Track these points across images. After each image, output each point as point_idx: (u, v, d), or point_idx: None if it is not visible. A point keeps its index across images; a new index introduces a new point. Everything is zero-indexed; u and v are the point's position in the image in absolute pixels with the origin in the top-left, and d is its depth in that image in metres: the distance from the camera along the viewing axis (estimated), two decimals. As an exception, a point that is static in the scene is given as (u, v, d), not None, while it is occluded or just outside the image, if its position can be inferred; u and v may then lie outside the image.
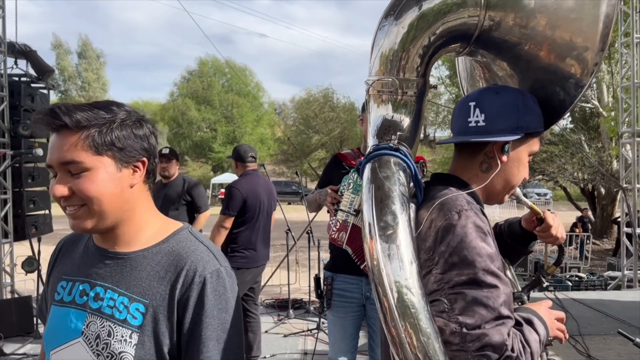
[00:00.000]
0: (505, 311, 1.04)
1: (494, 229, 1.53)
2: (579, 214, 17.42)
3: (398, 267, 1.08)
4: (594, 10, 1.19)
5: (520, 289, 1.33)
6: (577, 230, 15.08)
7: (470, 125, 1.24)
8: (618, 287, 8.04)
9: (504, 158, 1.23)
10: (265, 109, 42.52)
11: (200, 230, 4.87)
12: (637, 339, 1.93)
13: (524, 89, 1.31)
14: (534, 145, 1.28)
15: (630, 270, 8.23)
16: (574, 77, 1.25)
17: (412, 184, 1.24)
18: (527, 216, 1.44)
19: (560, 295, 5.71)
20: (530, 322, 1.13)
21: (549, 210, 1.45)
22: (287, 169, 35.30)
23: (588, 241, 13.28)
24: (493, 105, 1.22)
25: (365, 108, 2.73)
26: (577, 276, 8.34)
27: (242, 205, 3.86)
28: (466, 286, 1.04)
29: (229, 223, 3.85)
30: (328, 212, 2.65)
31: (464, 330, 1.01)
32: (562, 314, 1.24)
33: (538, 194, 27.17)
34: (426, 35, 1.23)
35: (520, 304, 1.26)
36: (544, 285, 1.38)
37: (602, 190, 17.55)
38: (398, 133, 1.26)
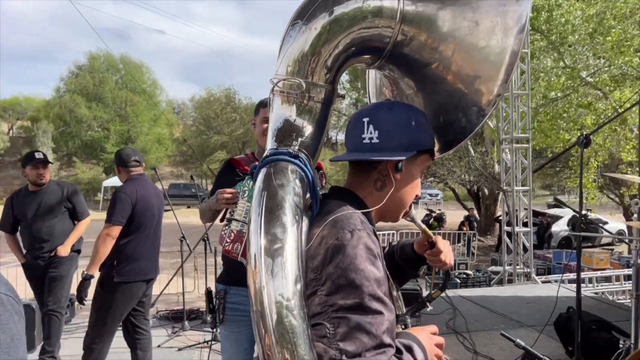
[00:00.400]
0: (387, 339, 1.02)
1: (387, 249, 1.53)
2: (466, 213, 18.76)
3: (281, 285, 1.01)
4: (502, 43, 1.21)
5: (404, 311, 1.32)
6: (464, 228, 16.24)
7: (364, 142, 1.21)
8: (500, 282, 8.73)
9: (398, 176, 1.21)
10: (163, 107, 40.73)
11: (81, 239, 4.47)
12: (517, 340, 2.04)
13: (428, 110, 1.30)
14: (426, 162, 1.28)
15: (510, 265, 8.98)
16: (477, 106, 1.26)
17: (308, 195, 1.17)
18: (420, 240, 1.45)
19: (450, 292, 6.04)
20: (410, 350, 1.11)
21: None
22: (186, 171, 34.13)
23: (474, 238, 14.35)
24: (386, 122, 1.20)
25: (257, 111, 2.64)
26: (464, 273, 8.91)
27: (130, 212, 3.54)
28: (351, 311, 1.00)
29: (116, 232, 3.52)
30: (221, 220, 2.50)
31: (344, 357, 0.98)
32: (441, 340, 1.24)
33: (430, 195, 28.93)
34: (339, 41, 1.19)
35: (403, 327, 1.25)
36: (428, 309, 1.40)
37: (486, 191, 19.08)
38: (299, 139, 1.20)
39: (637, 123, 10.39)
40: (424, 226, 1.38)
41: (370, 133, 1.20)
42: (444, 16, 1.25)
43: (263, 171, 1.16)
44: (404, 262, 1.49)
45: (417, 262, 1.48)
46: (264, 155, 1.21)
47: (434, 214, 19.82)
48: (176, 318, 5.65)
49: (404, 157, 1.18)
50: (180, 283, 6.01)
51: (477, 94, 1.26)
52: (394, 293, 1.30)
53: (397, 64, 1.36)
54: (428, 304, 1.40)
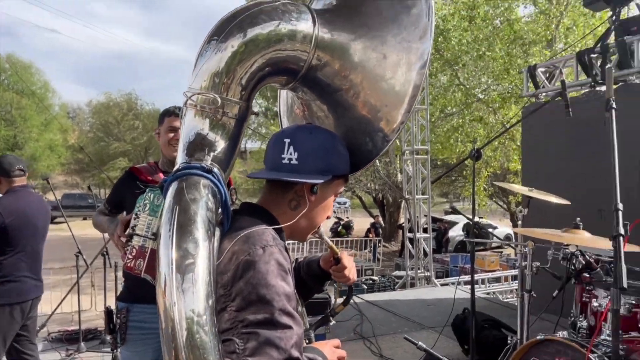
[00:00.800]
0: (295, 353, 1.04)
1: (293, 265, 1.55)
2: (372, 220, 19.43)
3: (192, 302, 1.00)
4: (406, 76, 1.29)
5: (308, 327, 1.36)
6: (370, 235, 16.82)
7: (283, 162, 1.24)
8: (404, 286, 9.15)
9: (312, 198, 1.25)
10: (56, 112, 37.68)
11: None
12: (419, 343, 2.17)
13: (338, 133, 1.35)
14: (339, 186, 1.32)
15: (412, 269, 9.45)
16: (382, 132, 1.33)
17: (220, 211, 1.17)
18: (326, 256, 1.50)
19: (357, 299, 6.21)
20: None
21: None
22: (81, 180, 31.85)
23: (380, 244, 14.92)
24: (306, 146, 1.24)
25: (162, 120, 2.54)
26: (371, 279, 9.22)
27: (2, 229, 3.21)
28: (261, 326, 1.02)
29: None
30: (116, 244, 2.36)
31: None
32: (343, 353, 1.29)
33: (338, 203, 29.64)
34: (254, 60, 1.22)
35: (307, 342, 1.29)
36: (331, 324, 1.46)
37: (390, 199, 19.93)
38: (212, 153, 1.20)
39: (520, 137, 11.47)
40: (331, 243, 1.44)
41: (290, 154, 1.23)
42: (355, 46, 1.32)
43: (174, 185, 1.14)
44: (310, 277, 1.53)
45: (323, 278, 1.52)
46: (175, 168, 1.18)
47: (342, 222, 20.29)
48: (71, 339, 5.21)
49: (320, 181, 1.23)
50: (75, 301, 5.58)
51: (383, 121, 1.33)
52: (299, 309, 1.33)
53: (311, 87, 1.41)
54: (331, 318, 1.46)
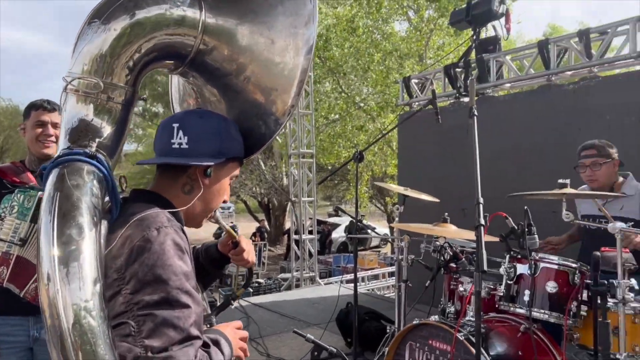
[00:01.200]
0: (194, 331, 1.04)
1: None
2: (257, 224, 19.41)
3: (78, 287, 0.96)
4: (294, 61, 1.34)
5: (210, 312, 1.36)
6: (255, 239, 16.78)
7: (173, 146, 1.22)
8: (289, 287, 9.28)
9: (206, 181, 1.25)
10: None
11: None
12: (308, 335, 2.23)
13: (230, 117, 1.36)
14: (235, 169, 1.33)
15: (297, 271, 9.63)
16: (274, 115, 1.37)
17: (107, 198, 1.13)
18: (224, 240, 1.51)
19: (243, 302, 6.18)
20: (217, 343, 1.15)
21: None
22: None
23: (265, 249, 14.95)
24: (196, 129, 1.23)
25: (28, 115, 2.33)
26: (257, 282, 9.21)
27: None
28: (157, 306, 1.00)
29: None
30: None
31: (149, 354, 0.97)
32: (245, 334, 1.31)
33: (222, 208, 28.89)
34: (140, 44, 1.19)
35: (209, 326, 1.29)
36: (232, 307, 1.48)
37: (276, 203, 20.09)
38: (97, 140, 1.16)
39: (397, 143, 12.29)
40: (227, 227, 1.44)
41: (180, 138, 1.22)
42: (243, 31, 1.35)
43: (55, 172, 1.08)
44: (209, 263, 1.53)
45: (222, 262, 1.53)
46: (56, 155, 1.12)
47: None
48: None
49: (212, 163, 1.23)
50: None
51: (274, 104, 1.38)
52: (200, 295, 1.33)
53: (200, 72, 1.41)
54: (233, 302, 1.47)
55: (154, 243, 1.04)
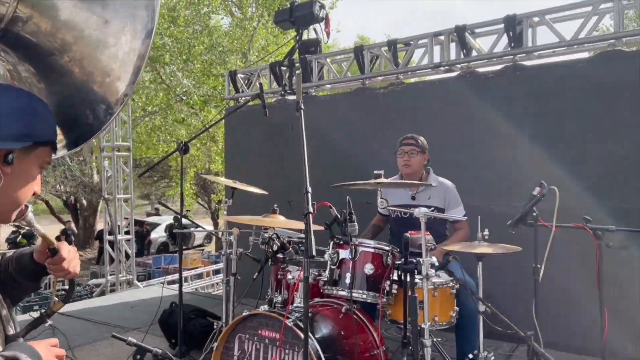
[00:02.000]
0: None
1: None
2: (62, 226, 17.40)
3: None
4: (131, 45, 1.22)
5: (18, 331, 1.16)
6: (60, 243, 14.97)
7: None
8: (103, 293, 8.47)
9: (8, 170, 1.04)
10: None
11: None
12: (129, 339, 2.03)
13: (52, 101, 1.19)
14: (45, 155, 1.13)
15: (112, 275, 8.86)
16: (105, 103, 1.24)
17: None
18: (41, 247, 1.26)
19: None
20: None
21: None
22: None
23: (72, 253, 13.45)
24: None
25: None
26: (62, 290, 8.21)
27: None
28: None
29: None
30: None
31: None
32: (62, 352, 1.13)
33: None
34: None
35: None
36: (47, 324, 1.28)
37: (85, 202, 18.20)
38: None
39: (223, 138, 12.18)
40: (43, 231, 1.22)
41: None
42: (65, 4, 1.19)
43: None
44: (21, 274, 1.27)
45: (37, 273, 1.29)
46: None
47: (22, 231, 17.52)
48: None
49: (15, 147, 1.03)
50: None
51: (106, 91, 1.26)
52: (4, 312, 1.12)
53: (14, 47, 1.22)
54: (47, 318, 1.26)
55: None
